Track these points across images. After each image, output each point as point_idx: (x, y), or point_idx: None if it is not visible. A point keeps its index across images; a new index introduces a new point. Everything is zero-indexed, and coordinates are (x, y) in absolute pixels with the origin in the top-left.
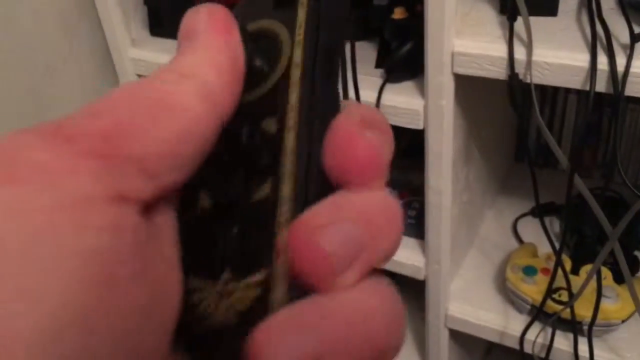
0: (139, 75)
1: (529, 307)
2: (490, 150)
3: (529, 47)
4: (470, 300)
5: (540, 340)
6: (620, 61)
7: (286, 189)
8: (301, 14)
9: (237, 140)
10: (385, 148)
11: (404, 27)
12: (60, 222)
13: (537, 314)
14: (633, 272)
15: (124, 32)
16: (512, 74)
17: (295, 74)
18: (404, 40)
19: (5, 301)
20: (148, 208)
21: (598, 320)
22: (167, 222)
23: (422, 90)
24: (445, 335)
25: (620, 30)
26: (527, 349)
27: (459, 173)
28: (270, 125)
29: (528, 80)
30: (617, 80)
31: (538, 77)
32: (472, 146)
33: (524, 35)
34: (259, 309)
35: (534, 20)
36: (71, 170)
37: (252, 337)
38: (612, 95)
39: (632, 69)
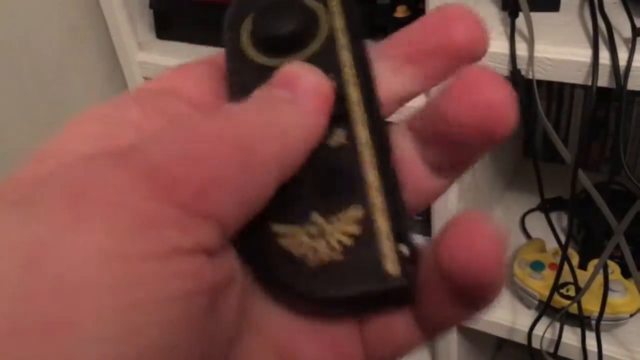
0: (146, 79)
1: (536, 302)
2: (497, 147)
3: (530, 43)
4: None
5: (548, 335)
6: (623, 55)
7: (363, 134)
8: None
9: None
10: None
11: (406, 25)
12: (150, 270)
13: (545, 309)
14: None
15: (130, 36)
16: (514, 70)
17: (343, 38)
18: None
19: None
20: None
21: (606, 315)
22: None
23: None
24: (453, 331)
25: (622, 24)
26: (536, 344)
27: None
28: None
29: (530, 76)
30: (620, 74)
31: (540, 73)
32: None
33: (525, 32)
34: (365, 243)
35: (536, 15)
36: (163, 220)
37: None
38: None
39: (634, 63)
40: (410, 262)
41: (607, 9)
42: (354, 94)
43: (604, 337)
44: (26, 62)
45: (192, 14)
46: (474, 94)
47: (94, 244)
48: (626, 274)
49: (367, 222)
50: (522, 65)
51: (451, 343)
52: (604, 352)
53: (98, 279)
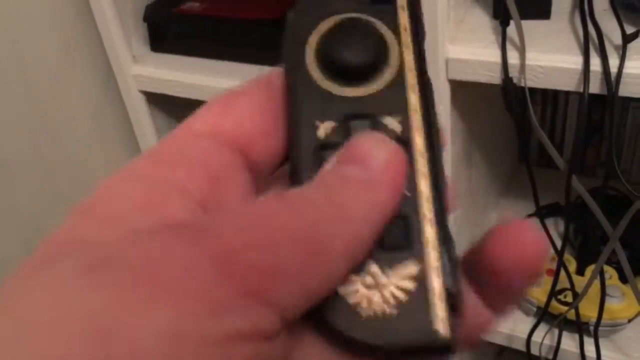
0: (142, 92)
1: (535, 309)
2: (493, 153)
3: (521, 51)
4: None
5: (547, 341)
6: (614, 62)
7: (424, 187)
8: (404, 17)
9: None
10: None
11: None
12: (215, 353)
13: (543, 315)
14: None
15: (125, 49)
16: (506, 79)
17: (411, 76)
18: None
19: None
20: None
21: (604, 320)
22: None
23: None
24: None
25: (612, 31)
26: (535, 350)
27: (461, 177)
28: (393, 123)
29: (523, 84)
30: (611, 81)
31: (532, 81)
32: (473, 149)
33: (517, 40)
34: (418, 299)
35: (527, 23)
36: (229, 305)
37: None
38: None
39: (625, 70)
40: (457, 317)
41: (597, 16)
42: (418, 142)
43: (602, 342)
44: (21, 76)
45: (185, 26)
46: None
47: (164, 324)
48: (624, 279)
49: (421, 279)
50: (514, 73)
51: None
52: (603, 357)
53: None
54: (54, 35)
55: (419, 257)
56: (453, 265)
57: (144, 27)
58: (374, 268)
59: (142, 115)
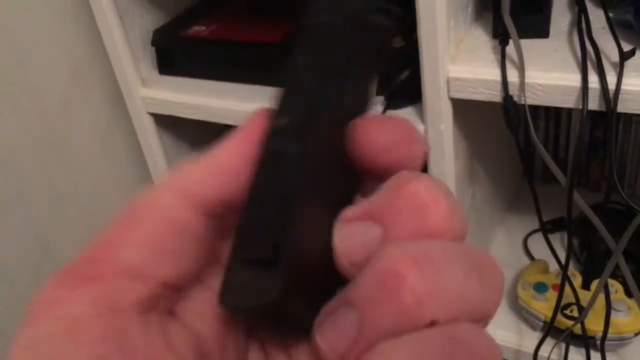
0: (151, 114)
1: (541, 323)
2: (497, 169)
3: (521, 69)
4: None
5: (554, 356)
6: (612, 79)
7: None
8: None
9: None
10: None
11: (401, 55)
12: (65, 342)
13: (549, 330)
14: None
15: (133, 73)
16: (506, 97)
17: None
18: (402, 68)
19: None
20: (153, 302)
21: (610, 335)
22: (185, 309)
23: (421, 116)
24: None
25: (610, 49)
26: None
27: (464, 194)
28: None
29: (523, 102)
30: (609, 98)
31: (532, 98)
32: (477, 166)
33: (516, 58)
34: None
35: (526, 42)
36: (74, 300)
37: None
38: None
39: (623, 87)
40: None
41: (595, 34)
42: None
43: (609, 357)
44: (32, 100)
45: (192, 50)
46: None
47: None
48: (630, 293)
49: None
50: (514, 91)
51: None
52: None
53: None
54: (64, 59)
55: None
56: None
57: (152, 51)
58: None
59: (150, 137)
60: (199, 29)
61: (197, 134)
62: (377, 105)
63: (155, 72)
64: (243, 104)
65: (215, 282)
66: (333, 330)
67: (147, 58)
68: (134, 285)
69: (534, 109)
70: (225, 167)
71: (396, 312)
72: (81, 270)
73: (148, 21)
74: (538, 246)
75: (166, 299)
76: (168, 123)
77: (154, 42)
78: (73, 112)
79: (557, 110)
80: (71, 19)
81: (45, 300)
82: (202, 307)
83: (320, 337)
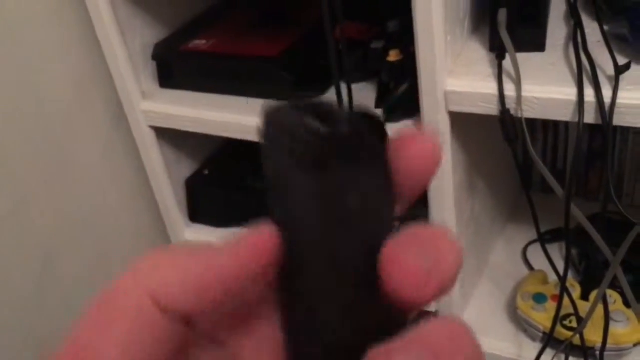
0: (151, 127)
1: (541, 334)
2: (496, 181)
3: (517, 83)
4: (484, 330)
5: None
6: (607, 93)
7: None
8: None
9: None
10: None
11: (399, 68)
12: None
13: (548, 341)
14: None
15: (134, 86)
16: (504, 110)
17: None
18: (401, 81)
19: None
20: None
21: (609, 345)
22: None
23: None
24: None
25: (605, 62)
26: None
27: (463, 206)
28: None
29: (520, 115)
30: (605, 111)
31: (528, 112)
32: (476, 178)
33: (513, 72)
34: None
35: (524, 56)
36: None
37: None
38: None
39: (619, 100)
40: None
41: (590, 48)
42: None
43: None
44: (35, 113)
45: (192, 64)
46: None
47: None
48: (628, 304)
49: None
50: (511, 104)
51: None
52: None
53: None
54: (66, 73)
55: None
56: None
57: (152, 65)
58: None
59: (151, 149)
60: (199, 43)
61: (198, 147)
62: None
63: (156, 85)
64: (243, 117)
65: None
66: None
67: (148, 71)
68: None
69: (532, 120)
70: (215, 281)
71: None
72: None
73: (149, 35)
74: (538, 257)
75: None
76: (168, 136)
77: (154, 56)
78: (75, 124)
79: (555, 122)
80: (74, 33)
81: None
82: None
83: None
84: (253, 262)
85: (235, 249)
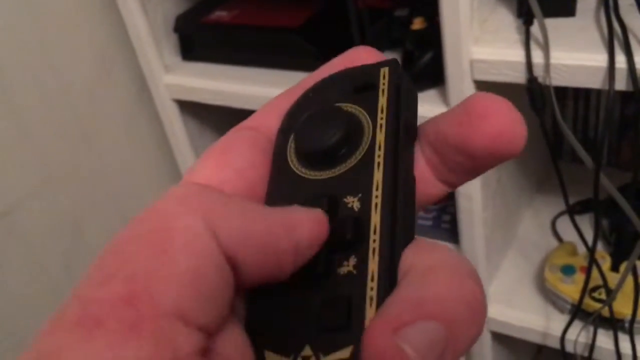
0: (174, 100)
1: (569, 306)
2: (524, 151)
3: (546, 50)
4: (511, 302)
5: (582, 339)
6: (639, 59)
7: (372, 266)
8: (382, 99)
9: None
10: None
11: (424, 36)
12: None
13: (576, 313)
14: None
15: (157, 59)
16: (531, 78)
17: (380, 154)
18: (425, 50)
19: None
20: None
21: (639, 317)
22: (231, 343)
23: (445, 98)
24: (488, 338)
25: (638, 27)
26: (570, 348)
27: (490, 178)
28: (354, 202)
29: (547, 83)
30: (637, 78)
31: (557, 79)
32: None
33: (541, 39)
34: None
35: (551, 22)
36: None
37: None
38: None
39: None
40: None
41: (622, 13)
42: (375, 221)
43: (638, 340)
44: (60, 88)
45: (214, 36)
46: (483, 126)
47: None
48: None
49: None
50: (539, 72)
51: (485, 350)
52: (639, 354)
53: None
54: (90, 49)
55: (356, 345)
56: None
57: (174, 38)
58: (308, 351)
59: (174, 122)
60: (220, 15)
61: (221, 119)
62: None
63: (179, 59)
64: (265, 89)
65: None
66: (422, 338)
67: (170, 45)
68: (185, 334)
69: (563, 87)
70: (266, 233)
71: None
72: (117, 316)
73: (170, 8)
74: (566, 228)
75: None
76: (192, 109)
77: (176, 29)
78: (99, 99)
79: (586, 90)
80: (96, 7)
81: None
82: (232, 350)
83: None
84: (305, 240)
85: (290, 221)
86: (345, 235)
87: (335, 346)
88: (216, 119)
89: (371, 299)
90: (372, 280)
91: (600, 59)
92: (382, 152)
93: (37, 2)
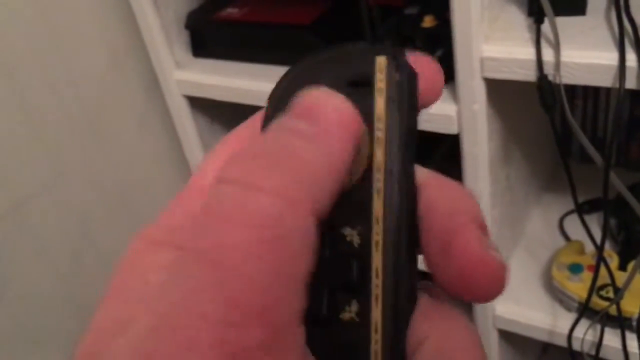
0: (185, 97)
1: (576, 304)
2: (532, 150)
3: (556, 48)
4: (518, 300)
5: (589, 337)
6: None
7: (376, 316)
8: (379, 103)
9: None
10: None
11: (434, 34)
12: None
13: (583, 311)
14: None
15: (168, 55)
16: (541, 76)
17: (379, 178)
18: (435, 48)
19: None
20: None
21: None
22: None
23: (455, 96)
24: (494, 336)
25: None
26: (577, 346)
27: (499, 174)
28: (353, 236)
29: (558, 81)
30: None
31: (567, 78)
32: (512, 147)
33: (552, 37)
34: None
35: (563, 20)
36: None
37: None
38: None
39: None
40: None
41: (633, 11)
42: (377, 264)
43: None
44: (71, 83)
45: (225, 32)
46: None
47: None
48: None
49: None
50: (549, 70)
51: (492, 348)
52: None
53: None
54: (102, 44)
55: None
56: None
57: (186, 34)
58: None
59: (185, 119)
60: (231, 12)
61: (231, 116)
62: None
63: (190, 55)
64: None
65: None
66: None
67: (182, 41)
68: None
69: (572, 87)
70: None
71: None
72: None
73: (182, 4)
74: (574, 227)
75: None
76: (202, 105)
77: (187, 25)
78: (110, 95)
79: (596, 88)
80: (108, 4)
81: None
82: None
83: None
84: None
85: (321, 139)
86: (348, 276)
87: None
88: (226, 115)
89: (376, 353)
90: (376, 332)
91: (610, 57)
92: (381, 176)
93: (49, 0)
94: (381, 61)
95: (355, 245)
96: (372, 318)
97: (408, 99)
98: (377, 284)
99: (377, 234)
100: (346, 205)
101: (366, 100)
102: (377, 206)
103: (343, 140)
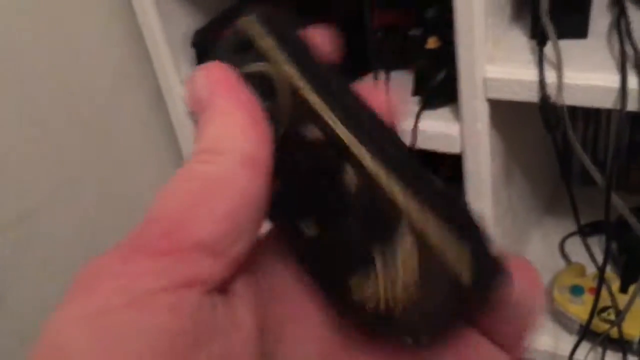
0: (189, 113)
1: (577, 327)
2: (534, 171)
3: (559, 70)
4: None
5: None
6: None
7: (377, 171)
8: (261, 49)
9: (299, 161)
10: None
11: (438, 55)
12: (127, 314)
13: (584, 334)
14: None
15: (174, 73)
16: (544, 97)
17: (302, 83)
18: (439, 68)
19: None
20: (225, 282)
21: None
22: (246, 289)
23: (458, 116)
24: None
25: None
26: None
27: (501, 195)
28: (313, 132)
29: (560, 102)
30: None
31: (570, 99)
32: (514, 168)
33: (554, 59)
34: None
35: (565, 43)
36: (139, 274)
37: None
38: None
39: None
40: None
41: (634, 34)
42: (344, 136)
43: None
44: (79, 98)
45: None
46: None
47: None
48: None
49: None
50: (552, 92)
51: None
52: None
53: None
54: (109, 60)
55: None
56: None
57: (192, 52)
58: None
59: (189, 136)
60: None
61: None
62: (414, 106)
63: None
64: None
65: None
66: None
67: (188, 59)
68: (208, 262)
69: (573, 109)
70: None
71: None
72: (153, 244)
73: (189, 22)
74: (575, 250)
75: (230, 276)
76: None
77: (194, 43)
78: (117, 110)
79: (597, 111)
80: (115, 20)
81: (104, 274)
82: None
83: None
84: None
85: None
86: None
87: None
88: None
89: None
90: (388, 180)
91: (612, 80)
92: (302, 83)
93: (58, 13)
94: (248, 21)
95: (320, 137)
96: (373, 174)
97: (293, 42)
98: (357, 150)
99: (330, 117)
100: (297, 118)
101: (253, 56)
102: (317, 103)
103: (223, 84)
